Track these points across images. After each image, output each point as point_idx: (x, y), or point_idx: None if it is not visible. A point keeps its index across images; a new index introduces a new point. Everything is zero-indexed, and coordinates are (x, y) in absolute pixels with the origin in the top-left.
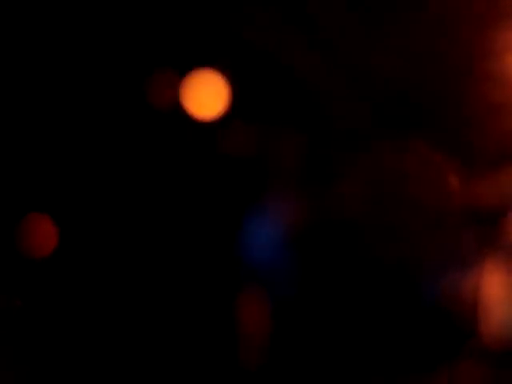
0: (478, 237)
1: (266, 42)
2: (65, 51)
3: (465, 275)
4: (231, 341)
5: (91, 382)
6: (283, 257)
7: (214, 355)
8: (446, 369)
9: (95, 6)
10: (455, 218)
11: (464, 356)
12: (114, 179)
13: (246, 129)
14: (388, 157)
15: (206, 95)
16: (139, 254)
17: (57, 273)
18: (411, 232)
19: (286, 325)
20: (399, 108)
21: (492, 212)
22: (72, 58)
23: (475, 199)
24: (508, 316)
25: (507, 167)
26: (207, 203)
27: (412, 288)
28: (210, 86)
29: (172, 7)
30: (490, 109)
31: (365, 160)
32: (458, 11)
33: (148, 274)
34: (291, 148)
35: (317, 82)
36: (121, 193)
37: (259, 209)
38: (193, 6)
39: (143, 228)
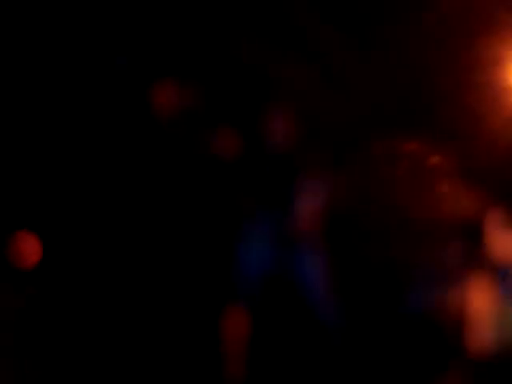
0: (466, 248)
1: (255, 54)
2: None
3: (451, 286)
4: (217, 354)
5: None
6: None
7: (203, 367)
8: (434, 382)
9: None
10: (444, 227)
11: (451, 369)
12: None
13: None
14: (379, 161)
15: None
16: (129, 263)
17: (56, 274)
18: (399, 238)
19: (277, 336)
20: (393, 114)
21: (479, 223)
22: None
23: (464, 210)
24: (494, 329)
25: (499, 177)
26: (200, 210)
27: (399, 298)
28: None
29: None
30: (485, 118)
31: (355, 163)
32: (451, 21)
33: (140, 284)
34: (286, 150)
35: (311, 86)
36: (111, 203)
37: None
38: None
39: (134, 235)
